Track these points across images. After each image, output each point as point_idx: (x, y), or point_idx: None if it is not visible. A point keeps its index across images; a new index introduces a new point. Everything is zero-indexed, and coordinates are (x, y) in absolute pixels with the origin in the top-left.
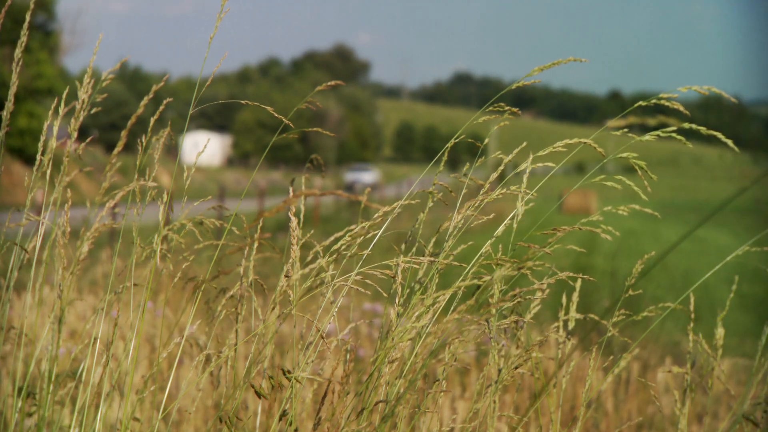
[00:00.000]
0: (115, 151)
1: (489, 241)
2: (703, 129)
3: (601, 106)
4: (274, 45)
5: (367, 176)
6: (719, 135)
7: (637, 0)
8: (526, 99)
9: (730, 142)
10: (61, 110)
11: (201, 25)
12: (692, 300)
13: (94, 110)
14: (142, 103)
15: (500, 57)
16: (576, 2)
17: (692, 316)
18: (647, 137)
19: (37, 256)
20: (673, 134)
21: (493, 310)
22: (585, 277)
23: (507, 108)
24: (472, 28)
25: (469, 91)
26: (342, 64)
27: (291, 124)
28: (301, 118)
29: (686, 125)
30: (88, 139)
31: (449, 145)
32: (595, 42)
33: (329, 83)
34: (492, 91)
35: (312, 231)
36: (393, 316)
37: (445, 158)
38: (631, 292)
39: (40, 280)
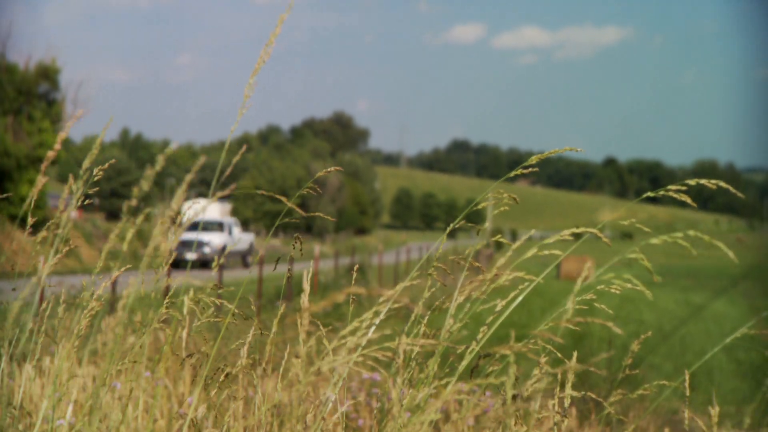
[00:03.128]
0: (111, 237)
1: (493, 320)
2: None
3: (597, 173)
4: (273, 113)
5: (213, 240)
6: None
7: (632, 69)
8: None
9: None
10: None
11: (201, 93)
12: (687, 377)
13: (93, 193)
14: (143, 178)
15: (497, 125)
16: (571, 72)
17: (687, 393)
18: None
19: (38, 326)
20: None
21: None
22: (583, 367)
23: (506, 195)
24: (470, 96)
25: (467, 158)
26: (341, 132)
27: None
28: (300, 186)
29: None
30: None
31: (450, 228)
32: (591, 110)
33: (329, 170)
34: (489, 158)
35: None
36: (395, 396)
37: (436, 234)
38: (628, 372)
39: (38, 353)
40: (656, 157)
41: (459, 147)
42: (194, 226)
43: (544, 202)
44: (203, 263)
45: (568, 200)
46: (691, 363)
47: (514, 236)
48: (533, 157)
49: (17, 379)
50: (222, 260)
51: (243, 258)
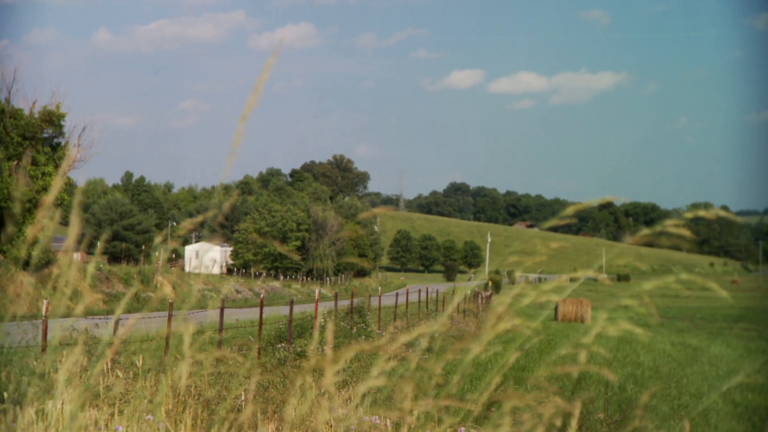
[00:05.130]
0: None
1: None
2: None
3: (593, 216)
4: (274, 156)
5: None
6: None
7: (627, 114)
8: (520, 208)
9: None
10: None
11: (204, 137)
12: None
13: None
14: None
15: (494, 169)
16: (567, 117)
17: None
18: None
19: (40, 370)
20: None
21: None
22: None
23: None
24: (467, 140)
25: (464, 200)
26: (340, 175)
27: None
28: (300, 229)
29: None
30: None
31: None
32: (587, 154)
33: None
34: (487, 201)
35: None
36: None
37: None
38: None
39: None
40: (652, 201)
41: (457, 190)
42: None
43: (541, 243)
44: None
45: (565, 242)
46: (687, 405)
47: (511, 278)
48: (570, 208)
49: (19, 423)
50: None
51: None
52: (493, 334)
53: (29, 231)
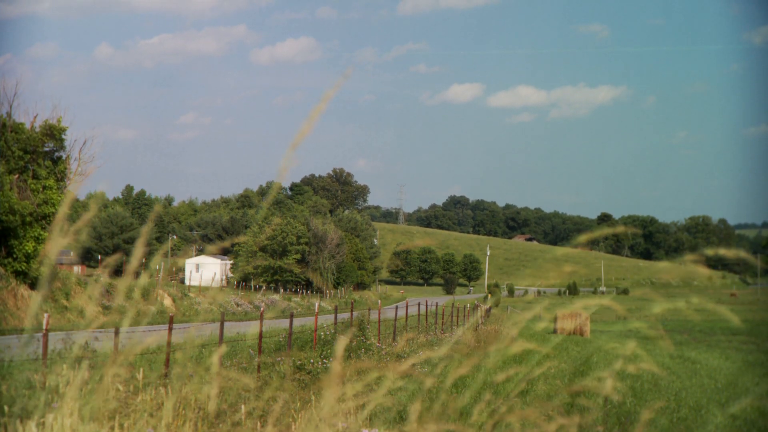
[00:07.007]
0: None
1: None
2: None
3: (592, 229)
4: (273, 170)
5: None
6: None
7: (626, 128)
8: (519, 221)
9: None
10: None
11: (205, 151)
12: None
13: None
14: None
15: (493, 182)
16: (566, 130)
17: None
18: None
19: (41, 384)
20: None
21: None
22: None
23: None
24: (466, 154)
25: (464, 213)
26: (340, 188)
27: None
28: (300, 242)
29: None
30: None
31: None
32: (586, 168)
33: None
34: (486, 214)
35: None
36: None
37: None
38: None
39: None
40: (650, 214)
41: (456, 203)
42: None
43: (540, 257)
44: None
45: (564, 256)
46: (686, 418)
47: (511, 291)
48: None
49: None
50: None
51: None
52: (504, 356)
53: (30, 244)
